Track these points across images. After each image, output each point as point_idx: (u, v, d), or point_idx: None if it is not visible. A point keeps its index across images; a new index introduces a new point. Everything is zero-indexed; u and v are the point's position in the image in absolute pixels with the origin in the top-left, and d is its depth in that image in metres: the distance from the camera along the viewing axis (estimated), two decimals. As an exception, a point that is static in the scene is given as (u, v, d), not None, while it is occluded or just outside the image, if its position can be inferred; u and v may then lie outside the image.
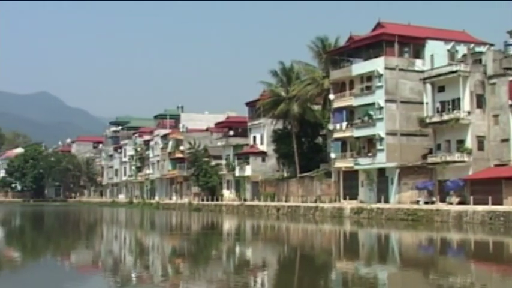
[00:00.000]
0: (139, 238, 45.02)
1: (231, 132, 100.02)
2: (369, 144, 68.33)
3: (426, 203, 58.72)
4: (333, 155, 72.26)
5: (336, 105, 72.20)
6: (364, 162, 67.75)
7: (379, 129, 65.73)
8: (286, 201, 76.65)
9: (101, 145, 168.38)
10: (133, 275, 24.30)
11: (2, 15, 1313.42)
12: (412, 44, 67.64)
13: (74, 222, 68.31)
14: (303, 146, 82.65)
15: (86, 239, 45.34)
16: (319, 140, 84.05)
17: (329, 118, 74.91)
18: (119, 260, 29.74)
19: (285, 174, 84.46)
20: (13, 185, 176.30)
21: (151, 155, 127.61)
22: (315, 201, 71.26)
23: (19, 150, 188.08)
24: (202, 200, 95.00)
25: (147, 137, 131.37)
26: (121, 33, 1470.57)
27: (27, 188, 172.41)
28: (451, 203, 55.97)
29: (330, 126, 73.32)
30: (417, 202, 59.50)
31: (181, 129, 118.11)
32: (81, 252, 34.85)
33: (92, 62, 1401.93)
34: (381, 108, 65.69)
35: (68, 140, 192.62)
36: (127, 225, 61.30)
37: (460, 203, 55.46)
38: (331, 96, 72.75)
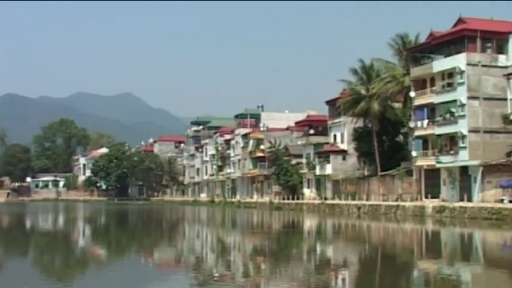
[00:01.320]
0: (221, 236, 45.48)
1: (312, 131, 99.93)
2: (451, 142, 67.33)
3: (511, 201, 57.51)
4: (414, 153, 71.46)
5: (416, 102, 71.40)
6: (446, 160, 66.75)
7: (462, 127, 64.68)
8: (367, 199, 76.27)
9: (182, 145, 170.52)
10: (214, 273, 24.60)
11: (86, 21, 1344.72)
12: (495, 39, 66.29)
13: (156, 221, 69.45)
14: (384, 144, 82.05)
15: (168, 237, 46.06)
16: (400, 138, 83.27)
17: (410, 116, 74.17)
18: (200, 258, 30.14)
19: (366, 173, 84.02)
20: (98, 184, 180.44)
21: (232, 154, 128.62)
22: (396, 200, 70.62)
23: (104, 150, 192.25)
24: (283, 199, 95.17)
25: (227, 136, 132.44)
26: (201, 34, 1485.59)
27: (111, 187, 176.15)
28: (537, 202, 54.69)
29: (411, 124, 72.60)
30: (501, 201, 58.28)
31: (261, 129, 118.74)
32: (164, 250, 35.45)
33: (173, 63, 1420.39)
34: (463, 105, 64.65)
35: (151, 140, 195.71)
36: (208, 224, 61.95)
37: (546, 201, 54.16)
38: (412, 94, 72.00)
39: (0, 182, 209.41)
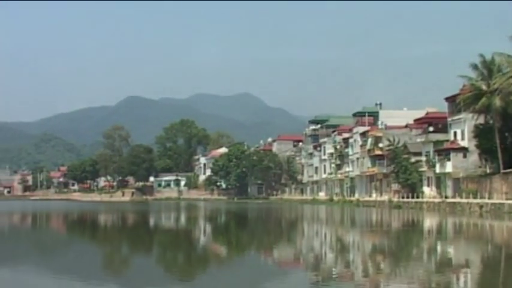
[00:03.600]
0: (340, 235, 45.52)
1: (431, 128, 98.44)
2: None
3: None
4: (539, 150, 69.22)
5: (541, 97, 69.14)
6: None
7: None
8: (489, 198, 74.31)
9: (300, 143, 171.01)
10: (334, 271, 24.75)
11: (202, 23, 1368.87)
12: None
13: (276, 219, 70.07)
14: (506, 141, 79.75)
15: (287, 235, 46.47)
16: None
17: (534, 111, 71.90)
18: (319, 257, 30.34)
19: (488, 171, 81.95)
20: (218, 184, 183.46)
21: (350, 153, 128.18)
22: (521, 198, 68.58)
23: (223, 149, 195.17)
24: (402, 197, 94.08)
25: (346, 135, 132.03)
26: (317, 33, 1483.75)
27: (231, 186, 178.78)
28: None
29: (535, 120, 70.38)
30: None
31: (379, 126, 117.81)
32: (284, 248, 35.82)
33: (290, 62, 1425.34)
34: None
35: (269, 139, 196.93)
36: (327, 223, 62.10)
37: None
38: (537, 89, 69.77)
39: (125, 181, 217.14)
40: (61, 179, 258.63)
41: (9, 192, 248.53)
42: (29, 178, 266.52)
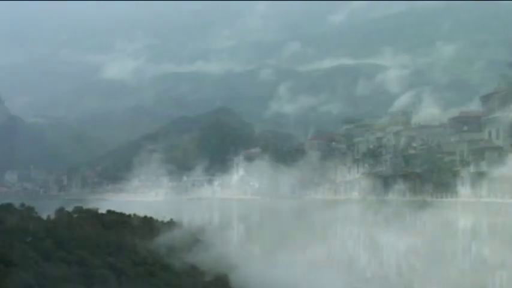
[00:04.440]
0: (372, 235, 45.39)
1: (465, 127, 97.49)
2: None
3: None
4: None
5: None
6: None
7: None
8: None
9: (334, 143, 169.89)
10: (367, 271, 24.74)
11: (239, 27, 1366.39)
12: None
13: (309, 219, 69.90)
14: (543, 140, 78.91)
15: (321, 234, 46.40)
16: (561, 132, 79.81)
17: None
18: (353, 257, 30.33)
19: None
20: (251, 183, 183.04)
21: (383, 152, 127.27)
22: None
23: (257, 149, 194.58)
24: (436, 197, 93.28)
25: (379, 134, 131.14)
26: (349, 34, 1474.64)
27: (264, 185, 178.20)
28: None
29: None
30: None
31: (413, 126, 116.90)
32: (317, 248, 35.79)
33: (323, 61, 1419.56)
34: None
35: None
36: (361, 223, 61.86)
37: None
38: None
39: (159, 181, 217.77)
40: (95, 179, 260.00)
41: (44, 191, 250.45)
42: (64, 178, 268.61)
